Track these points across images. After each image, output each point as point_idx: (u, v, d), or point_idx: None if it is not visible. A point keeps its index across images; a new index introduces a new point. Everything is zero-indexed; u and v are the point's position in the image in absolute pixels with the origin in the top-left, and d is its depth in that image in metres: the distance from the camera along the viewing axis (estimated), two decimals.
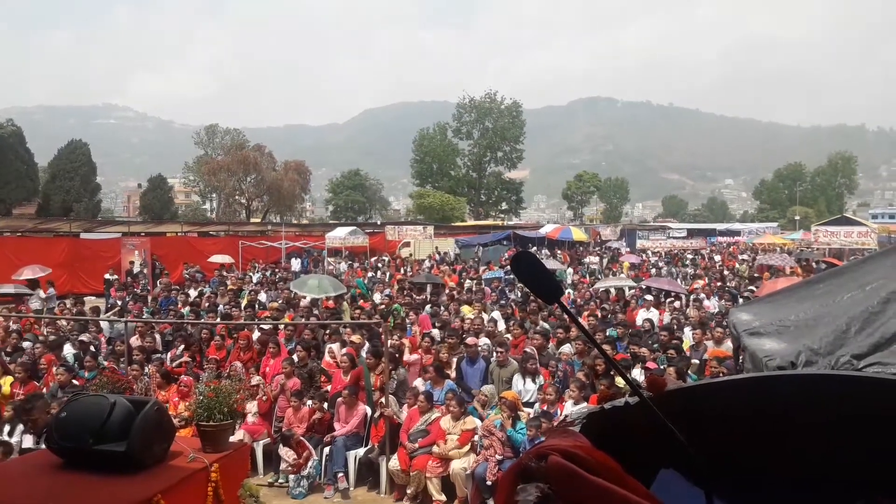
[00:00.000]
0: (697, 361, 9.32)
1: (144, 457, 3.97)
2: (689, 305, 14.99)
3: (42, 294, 18.24)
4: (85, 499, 3.58)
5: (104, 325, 12.88)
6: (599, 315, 12.99)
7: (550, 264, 22.79)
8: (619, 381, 7.95)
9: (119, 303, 16.60)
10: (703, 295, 16.36)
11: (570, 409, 7.42)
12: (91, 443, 3.88)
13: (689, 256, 32.56)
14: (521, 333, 10.93)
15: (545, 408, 7.82)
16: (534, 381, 8.62)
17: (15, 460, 6.49)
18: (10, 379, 9.34)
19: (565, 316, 13.06)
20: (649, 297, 15.09)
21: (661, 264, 27.13)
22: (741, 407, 1.50)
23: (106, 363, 9.81)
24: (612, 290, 16.79)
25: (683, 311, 13.31)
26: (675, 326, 11.96)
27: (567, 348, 10.05)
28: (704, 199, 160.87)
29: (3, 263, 22.10)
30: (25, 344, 11.39)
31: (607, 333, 10.71)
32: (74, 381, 9.02)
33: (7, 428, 8.11)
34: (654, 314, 13.55)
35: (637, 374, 8.73)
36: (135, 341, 10.78)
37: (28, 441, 7.90)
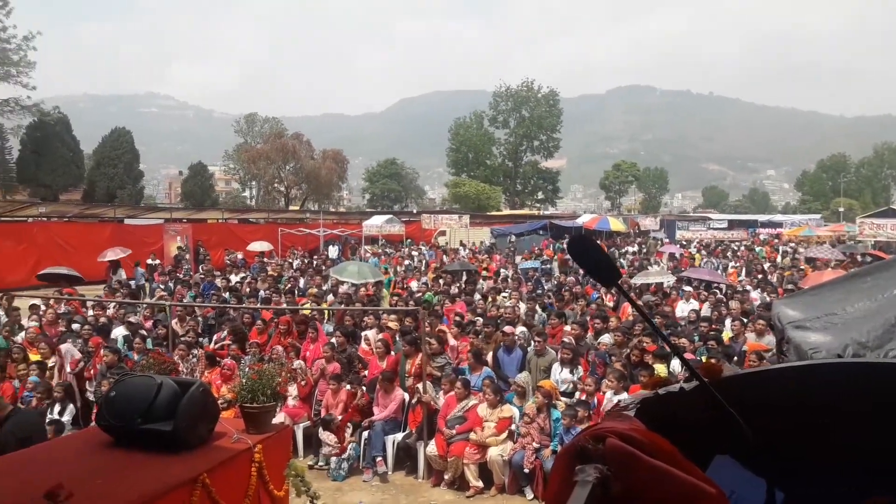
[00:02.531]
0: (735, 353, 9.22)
1: (190, 437, 4.07)
2: (731, 297, 14.77)
3: (123, 275, 18.97)
4: (133, 476, 3.68)
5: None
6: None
7: None
8: (660, 371, 7.91)
9: (161, 287, 16.99)
10: (749, 287, 16.09)
11: (611, 398, 7.41)
12: (139, 422, 3.99)
13: (735, 247, 31.90)
14: (558, 323, 10.92)
15: (583, 397, 7.84)
16: (571, 371, 8.61)
17: (67, 437, 6.74)
18: (58, 361, 9.65)
19: (607, 305, 13.03)
20: (689, 288, 14.91)
21: (703, 253, 26.74)
22: (787, 396, 1.51)
23: (153, 346, 10.08)
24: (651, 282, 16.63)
25: (725, 303, 13.12)
26: (716, 318, 11.82)
27: (606, 338, 10.03)
28: (745, 190, 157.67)
29: (51, 247, 22.83)
30: (74, 326, 11.75)
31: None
32: (121, 363, 9.30)
33: (58, 407, 8.41)
34: (694, 305, 13.39)
35: (676, 365, 8.67)
36: (175, 324, 11.06)
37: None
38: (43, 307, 12.63)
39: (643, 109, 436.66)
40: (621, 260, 25.48)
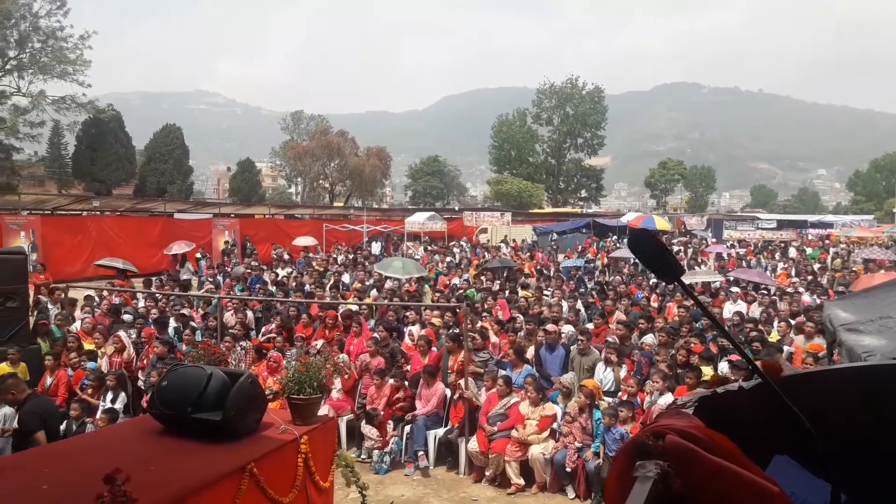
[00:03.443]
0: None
1: (238, 426, 4.15)
2: (780, 299, 14.45)
3: (191, 268, 19.57)
4: (183, 463, 3.77)
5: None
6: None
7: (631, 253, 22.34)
8: (706, 373, 7.78)
9: (210, 280, 17.37)
10: (801, 289, 15.71)
11: (655, 399, 7.32)
12: (189, 411, 4.08)
13: (795, 247, 31.11)
14: (602, 322, 10.82)
15: (624, 397, 7.76)
16: (615, 370, 8.53)
17: (121, 425, 6.94)
18: (111, 349, 9.96)
19: (652, 304, 12.86)
20: (736, 289, 14.62)
21: (748, 255, 26.15)
22: (846, 397, 1.48)
23: (203, 337, 10.32)
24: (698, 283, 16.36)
25: (774, 305, 12.83)
26: (764, 319, 11.57)
27: (649, 338, 9.91)
28: (795, 190, 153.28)
29: (104, 240, 23.55)
30: (126, 317, 12.11)
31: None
32: (171, 354, 9.54)
33: (110, 395, 8.68)
34: (741, 307, 13.14)
35: (723, 367, 8.53)
36: (228, 317, 11.32)
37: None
38: (97, 298, 13.03)
39: (690, 107, 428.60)
40: None
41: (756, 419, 1.39)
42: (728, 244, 32.70)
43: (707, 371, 7.96)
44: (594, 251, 28.18)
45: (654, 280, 16.69)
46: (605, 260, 24.10)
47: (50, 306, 12.69)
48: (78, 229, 24.04)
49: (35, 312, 11.89)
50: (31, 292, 11.98)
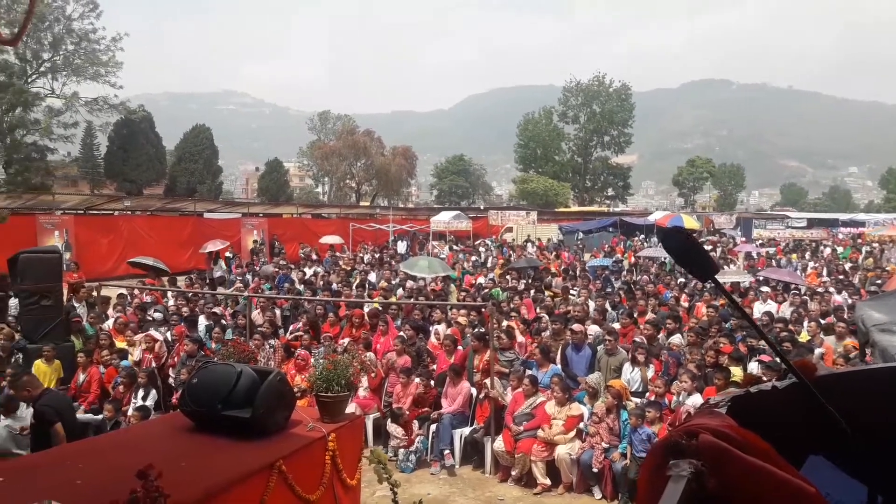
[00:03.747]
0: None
1: (267, 424, 4.20)
2: (811, 299, 14.22)
3: (223, 265, 19.93)
4: (214, 459, 3.83)
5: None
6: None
7: (660, 253, 22.16)
8: (735, 374, 7.68)
9: (239, 279, 17.57)
10: (832, 288, 15.45)
11: (683, 400, 7.25)
12: (220, 408, 4.14)
13: (827, 247, 30.56)
14: (629, 322, 10.73)
15: (652, 398, 7.69)
16: (642, 371, 8.46)
17: (153, 422, 7.05)
18: (142, 346, 10.12)
19: (682, 304, 12.72)
20: (766, 289, 14.42)
21: (778, 254, 25.75)
22: (882, 397, 1.46)
23: (234, 335, 10.44)
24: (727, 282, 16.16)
25: (805, 305, 12.62)
26: (794, 319, 11.40)
27: (677, 339, 9.82)
28: (826, 188, 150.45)
29: (135, 238, 23.95)
30: (156, 315, 12.30)
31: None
32: (201, 352, 9.67)
33: (141, 393, 8.82)
34: (771, 307, 12.94)
35: (752, 367, 8.42)
36: (256, 315, 11.44)
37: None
38: (129, 297, 13.26)
39: (718, 104, 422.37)
40: None
41: (790, 419, 1.37)
42: (757, 243, 32.22)
43: (736, 372, 7.86)
44: (621, 250, 27.96)
45: (683, 279, 16.53)
46: (633, 259, 23.90)
47: (76, 304, 12.93)
48: (110, 229, 24.47)
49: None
50: (65, 291, 12.21)
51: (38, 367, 9.05)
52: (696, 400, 7.09)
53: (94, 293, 13.91)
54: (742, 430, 1.12)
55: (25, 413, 7.20)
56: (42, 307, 9.70)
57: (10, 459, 4.43)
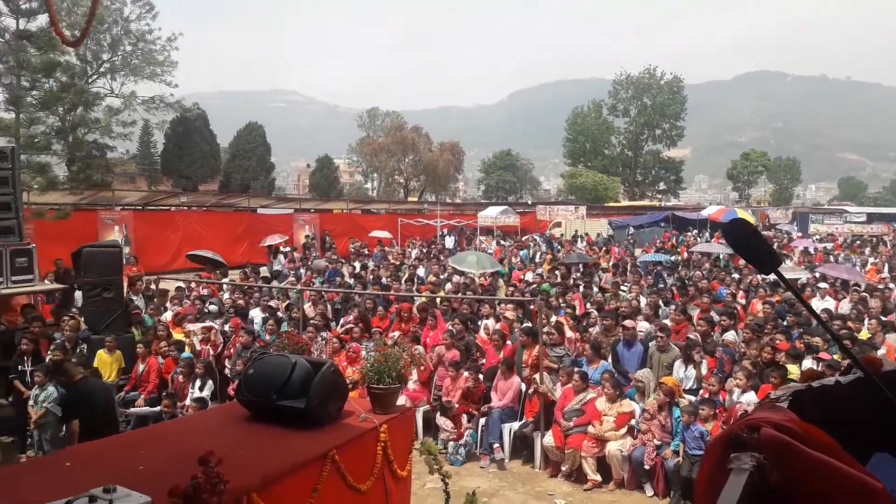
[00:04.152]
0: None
1: (321, 414, 4.26)
2: (871, 295, 13.74)
3: (282, 259, 20.46)
4: (269, 448, 3.91)
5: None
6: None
7: (715, 248, 21.71)
8: (792, 371, 7.49)
9: (292, 273, 17.90)
10: (892, 285, 14.90)
11: (738, 397, 7.10)
12: (275, 398, 4.22)
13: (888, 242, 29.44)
14: (682, 319, 10.54)
15: (706, 395, 7.56)
16: (695, 368, 8.31)
17: (210, 411, 7.25)
18: (199, 338, 10.40)
19: (738, 301, 12.44)
20: (824, 285, 13.99)
21: (836, 250, 24.93)
22: None
23: (288, 327, 10.64)
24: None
25: (865, 301, 12.20)
26: (854, 317, 11.03)
27: (730, 336, 9.60)
28: (886, 182, 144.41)
29: (191, 233, 24.60)
30: (212, 308, 12.62)
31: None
32: (255, 344, 9.89)
33: (199, 383, 9.07)
34: (829, 303, 12.55)
35: (808, 365, 8.18)
36: (309, 309, 11.64)
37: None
38: (187, 290, 13.64)
39: (773, 96, 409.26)
40: None
41: (854, 415, 1.34)
42: (814, 238, 31.23)
43: (793, 369, 7.66)
44: (672, 245, 27.45)
45: (737, 275, 16.17)
46: (685, 255, 23.45)
47: (132, 297, 13.36)
48: (167, 224, 25.18)
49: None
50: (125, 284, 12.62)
51: (101, 356, 9.39)
52: (752, 398, 6.94)
53: (153, 286, 14.35)
54: (805, 425, 1.11)
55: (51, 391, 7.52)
56: (104, 299, 10.02)
57: (80, 445, 4.61)
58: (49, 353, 8.82)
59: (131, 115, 44.26)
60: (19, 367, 8.66)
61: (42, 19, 26.19)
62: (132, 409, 9.17)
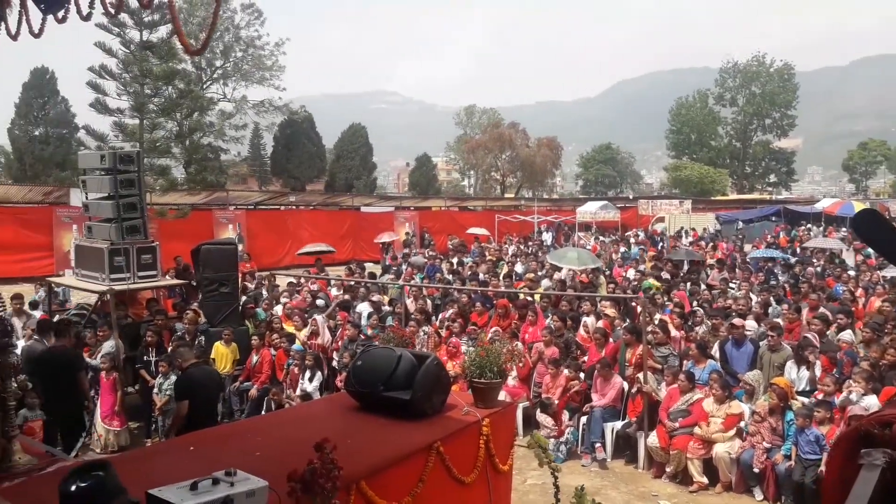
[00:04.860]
0: None
1: (425, 406, 4.36)
2: None
3: (396, 255, 21.36)
4: (377, 437, 4.06)
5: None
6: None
7: (829, 243, 20.47)
8: None
9: (393, 270, 18.33)
10: None
11: (856, 399, 6.69)
12: (381, 389, 4.37)
13: None
14: (795, 318, 10.03)
15: (820, 396, 7.17)
16: (808, 368, 7.90)
17: (320, 401, 7.57)
18: (308, 331, 10.85)
19: (853, 300, 11.70)
20: None
21: None
22: None
23: (393, 322, 10.92)
24: None
25: None
26: None
27: (847, 335, 9.03)
28: None
29: (299, 231, 25.69)
30: (319, 302, 13.12)
31: None
32: (361, 337, 10.21)
33: (308, 374, 9.47)
34: None
35: None
36: (410, 304, 11.91)
37: None
38: (297, 285, 14.29)
39: (893, 82, 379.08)
40: (868, 248, 22.58)
41: None
42: None
43: None
44: (785, 240, 26.07)
45: (853, 272, 15.21)
46: (798, 250, 22.23)
47: (250, 289, 14.06)
48: (277, 223, 26.40)
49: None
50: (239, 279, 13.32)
51: (218, 348, 9.96)
52: (872, 401, 6.53)
53: (265, 281, 15.07)
54: None
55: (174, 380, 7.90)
56: (221, 294, 10.58)
57: (202, 431, 4.92)
58: (170, 344, 9.44)
59: (242, 118, 46.54)
60: (145, 357, 9.34)
61: (162, 31, 27.97)
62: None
